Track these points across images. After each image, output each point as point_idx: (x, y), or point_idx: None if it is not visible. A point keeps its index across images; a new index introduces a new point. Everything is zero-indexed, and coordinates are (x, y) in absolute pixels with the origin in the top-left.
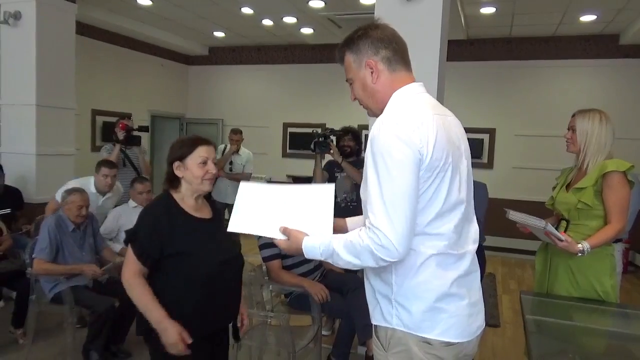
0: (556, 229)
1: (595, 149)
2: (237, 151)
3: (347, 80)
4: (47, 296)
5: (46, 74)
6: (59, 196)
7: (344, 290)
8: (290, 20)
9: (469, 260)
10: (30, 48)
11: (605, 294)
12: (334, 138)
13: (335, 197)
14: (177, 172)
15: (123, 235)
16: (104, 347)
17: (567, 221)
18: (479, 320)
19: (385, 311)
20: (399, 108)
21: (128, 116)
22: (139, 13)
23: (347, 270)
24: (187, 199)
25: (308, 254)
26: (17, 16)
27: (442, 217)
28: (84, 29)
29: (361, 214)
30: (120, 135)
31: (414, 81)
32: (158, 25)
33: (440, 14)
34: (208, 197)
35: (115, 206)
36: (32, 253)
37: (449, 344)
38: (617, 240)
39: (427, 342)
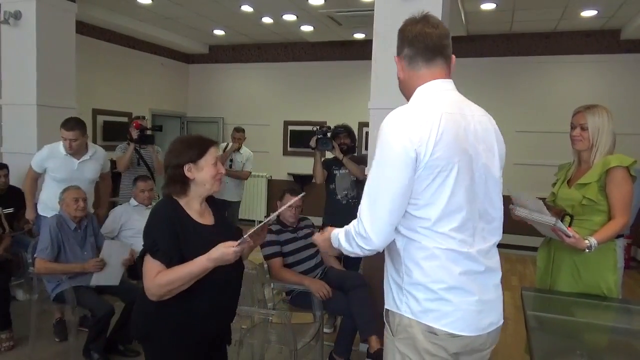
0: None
1: (604, 144)
2: (238, 149)
3: None
4: (50, 296)
5: (46, 73)
6: (34, 164)
7: (345, 287)
8: (290, 17)
9: (481, 258)
10: (30, 48)
11: (608, 289)
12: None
13: (336, 194)
14: (189, 174)
15: (124, 235)
16: (112, 346)
17: (571, 216)
18: (492, 318)
19: (397, 297)
20: (409, 105)
21: (142, 117)
22: (139, 12)
23: (347, 267)
24: (192, 202)
25: (333, 242)
26: (17, 16)
27: (448, 217)
28: (84, 28)
29: None
30: (135, 134)
31: (438, 78)
32: (158, 24)
33: (440, 10)
34: (211, 200)
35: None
36: (34, 252)
37: (453, 336)
38: (618, 236)
39: (433, 331)
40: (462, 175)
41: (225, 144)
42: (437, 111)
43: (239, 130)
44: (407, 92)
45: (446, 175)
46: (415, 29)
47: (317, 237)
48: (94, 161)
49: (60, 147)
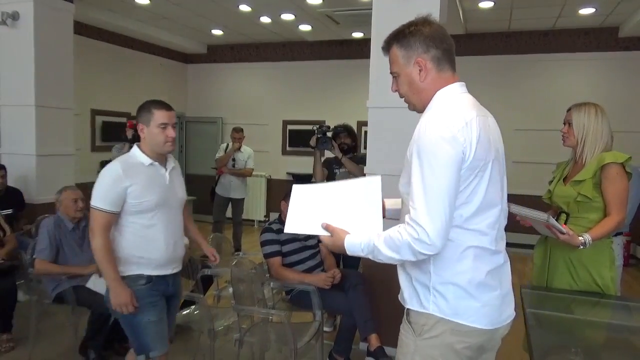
0: (556, 221)
1: (592, 142)
2: (239, 148)
3: (391, 73)
4: (50, 296)
5: (45, 74)
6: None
7: (345, 286)
8: (288, 17)
9: (502, 255)
10: (28, 48)
11: (605, 286)
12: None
13: None
14: None
15: None
16: (108, 344)
17: (567, 214)
18: (509, 310)
19: (423, 297)
20: (443, 108)
21: None
22: (137, 12)
23: (347, 266)
24: None
25: (349, 251)
26: (15, 17)
27: (480, 214)
28: (82, 29)
29: None
30: (129, 134)
31: (457, 81)
32: (156, 24)
33: (438, 9)
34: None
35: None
36: (33, 253)
37: (480, 331)
38: (617, 234)
39: (460, 329)
40: (494, 173)
41: (226, 144)
42: (471, 113)
43: (237, 130)
44: (424, 95)
45: (482, 176)
46: (434, 29)
47: (325, 239)
48: None
49: (139, 154)
